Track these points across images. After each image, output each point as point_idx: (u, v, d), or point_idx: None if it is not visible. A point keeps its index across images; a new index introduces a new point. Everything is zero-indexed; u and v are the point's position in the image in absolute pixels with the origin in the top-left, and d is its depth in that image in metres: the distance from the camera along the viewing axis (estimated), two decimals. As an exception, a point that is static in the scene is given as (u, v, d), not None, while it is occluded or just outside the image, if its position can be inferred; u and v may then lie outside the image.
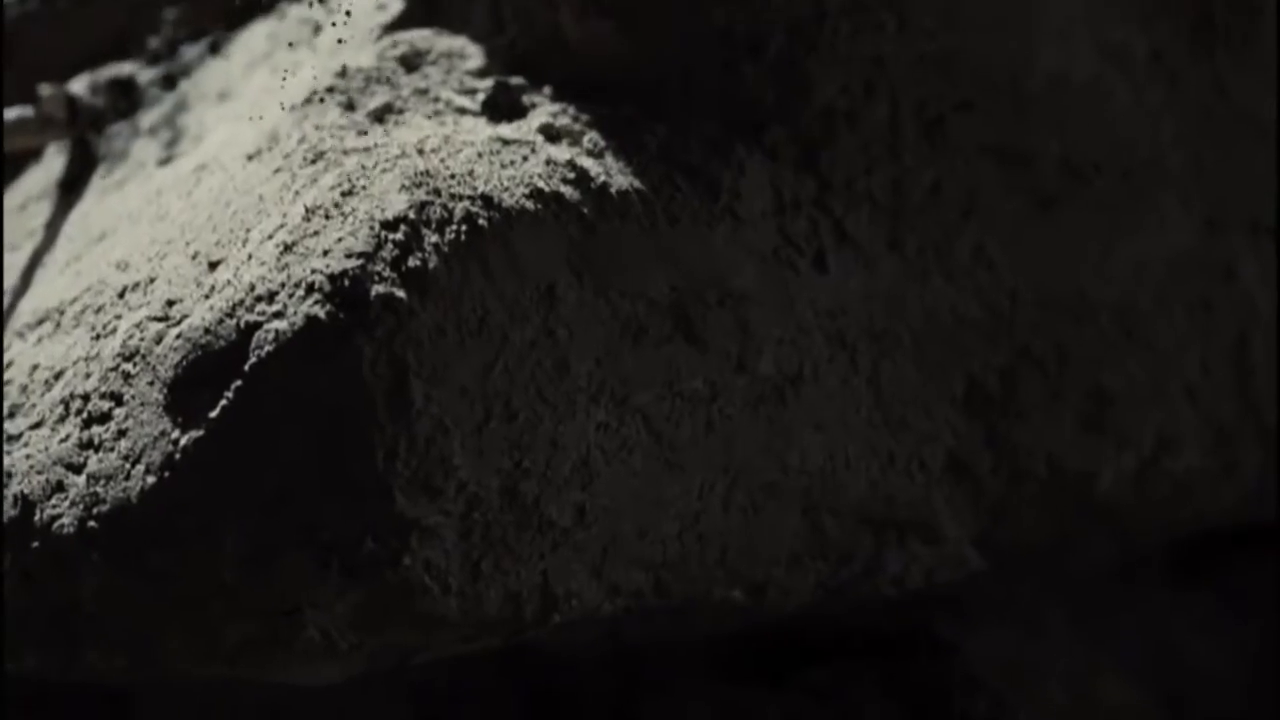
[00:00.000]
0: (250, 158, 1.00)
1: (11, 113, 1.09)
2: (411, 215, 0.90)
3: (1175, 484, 1.12)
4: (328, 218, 0.91)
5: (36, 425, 0.95)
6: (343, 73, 1.02)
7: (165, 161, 1.07)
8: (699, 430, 0.96)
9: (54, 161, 1.15)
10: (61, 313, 0.99)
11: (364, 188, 0.92)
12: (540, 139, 0.97)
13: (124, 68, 1.16)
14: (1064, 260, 1.08)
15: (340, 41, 1.06)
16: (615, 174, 0.96)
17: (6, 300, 1.05)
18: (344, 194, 0.92)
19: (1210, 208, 1.14)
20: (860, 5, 1.03)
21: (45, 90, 1.13)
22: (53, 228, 1.09)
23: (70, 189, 1.11)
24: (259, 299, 0.89)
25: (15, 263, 1.08)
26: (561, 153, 0.96)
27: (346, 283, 0.88)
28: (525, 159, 0.95)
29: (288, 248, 0.90)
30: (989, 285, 1.06)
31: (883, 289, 1.03)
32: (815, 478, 1.00)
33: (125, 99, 1.13)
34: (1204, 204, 1.13)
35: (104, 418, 0.92)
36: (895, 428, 1.03)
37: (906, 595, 1.05)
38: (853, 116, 1.03)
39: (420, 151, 0.94)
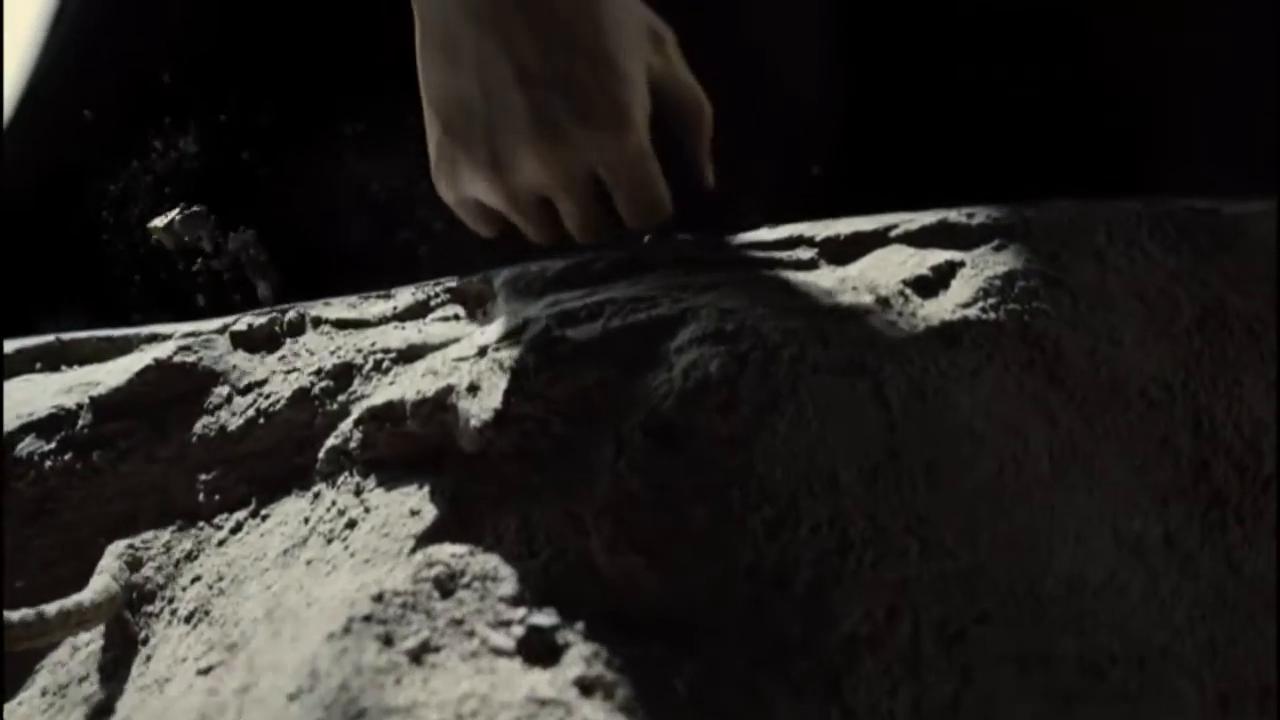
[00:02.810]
0: (291, 698, 1.02)
1: (51, 607, 1.12)
2: (452, 806, 0.93)
3: None
4: (370, 799, 0.94)
5: None
6: (379, 597, 1.05)
7: (205, 670, 1.10)
8: None
9: (90, 634, 1.18)
10: None
11: (405, 764, 0.95)
12: (575, 694, 1.00)
13: (155, 537, 1.19)
14: (1081, 757, 1.11)
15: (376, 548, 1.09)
16: (648, 732, 0.99)
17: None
18: (386, 771, 0.95)
19: (1223, 683, 1.16)
20: (884, 533, 1.06)
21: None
22: (93, 727, 1.12)
23: (110, 675, 1.14)
24: None
25: (58, 762, 1.11)
26: (596, 712, 0.99)
27: None
28: (561, 723, 0.98)
29: (332, 832, 0.93)
30: (1008, 793, 1.09)
31: (906, 814, 1.06)
32: None
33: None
34: (1217, 681, 1.16)
35: None
36: None
37: None
38: (875, 641, 1.06)
39: (459, 717, 0.97)
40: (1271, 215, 1.22)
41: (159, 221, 1.40)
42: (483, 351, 1.11)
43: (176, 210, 1.40)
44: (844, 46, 1.59)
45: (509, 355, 1.09)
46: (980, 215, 1.15)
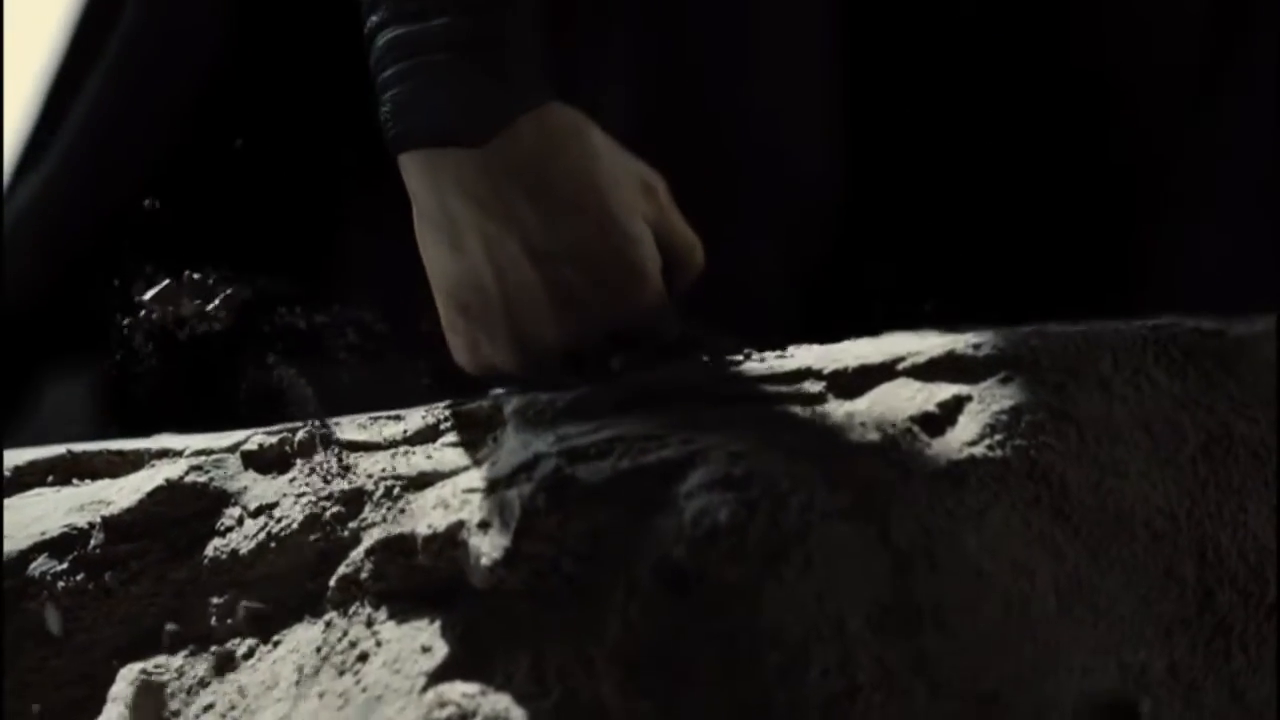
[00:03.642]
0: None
1: (67, 739, 1.13)
2: None
3: None
4: None
5: None
6: (392, 738, 1.06)
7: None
8: None
9: (106, 758, 1.19)
10: None
11: None
12: None
13: (168, 661, 1.20)
14: None
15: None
16: None
17: None
18: None
19: (1226, 810, 1.18)
20: (891, 675, 1.07)
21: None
22: None
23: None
24: None
25: None
26: None
27: None
28: None
29: None
30: None
31: None
32: None
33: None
34: (1220, 808, 1.18)
35: None
36: None
37: None
38: (884, 782, 1.08)
39: None
40: (1273, 337, 1.23)
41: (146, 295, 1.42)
42: (493, 486, 1.12)
43: (162, 284, 1.41)
44: (851, 133, 1.61)
45: (519, 492, 1.10)
46: (986, 346, 1.16)
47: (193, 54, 1.64)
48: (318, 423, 1.25)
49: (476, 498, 1.13)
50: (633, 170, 1.20)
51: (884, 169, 1.61)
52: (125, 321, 1.41)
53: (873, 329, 1.33)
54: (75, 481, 1.31)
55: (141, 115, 1.66)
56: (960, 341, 1.17)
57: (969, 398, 1.14)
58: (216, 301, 1.39)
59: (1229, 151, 1.54)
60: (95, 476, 1.31)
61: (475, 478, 1.15)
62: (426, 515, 1.15)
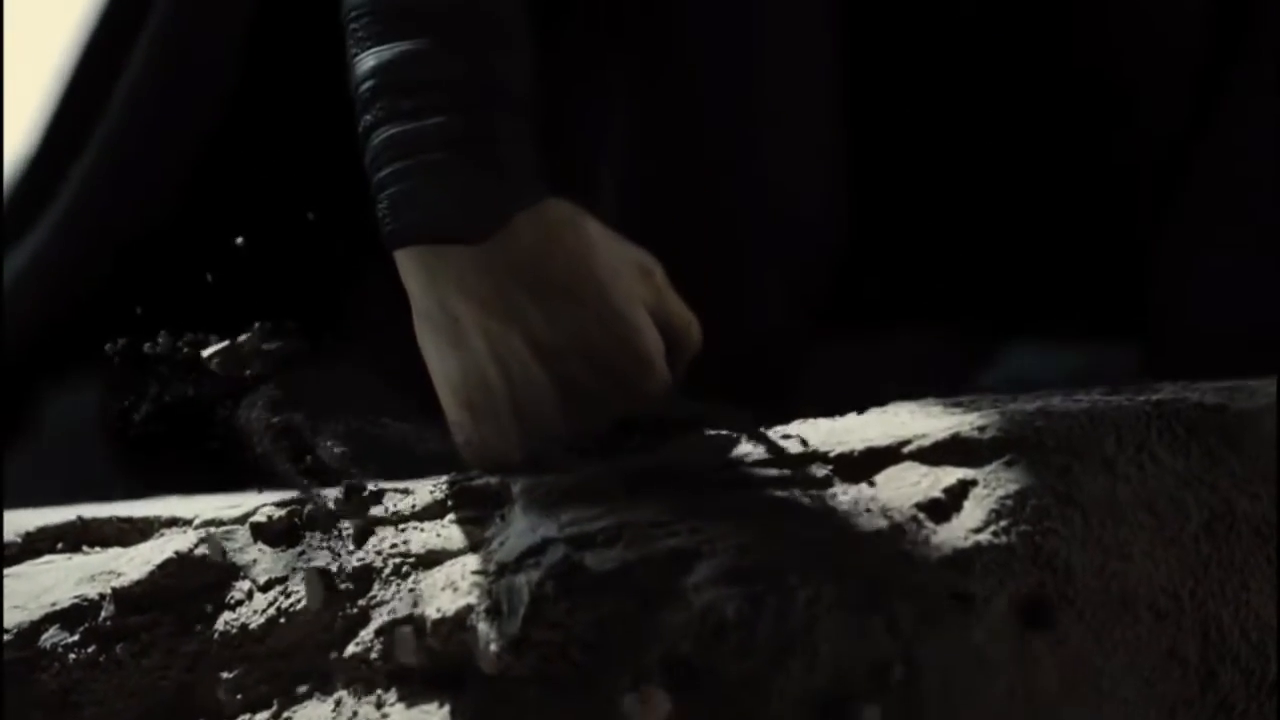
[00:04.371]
0: None
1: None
2: None
3: None
4: None
5: None
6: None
7: None
8: None
9: (117, 836, 1.20)
10: None
11: None
12: None
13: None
14: None
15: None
16: None
17: None
18: None
19: None
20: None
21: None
22: None
23: None
24: None
25: None
26: None
27: None
28: None
29: None
30: None
31: None
32: None
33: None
34: None
35: None
36: None
37: None
38: None
39: None
40: (1274, 411, 1.24)
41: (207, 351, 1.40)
42: (501, 571, 1.13)
43: (219, 345, 1.39)
44: (854, 172, 1.61)
45: (528, 579, 1.11)
46: (991, 428, 1.17)
47: (199, 100, 1.64)
48: (322, 496, 1.26)
49: (485, 581, 1.14)
50: (629, 258, 1.21)
51: (888, 200, 1.61)
52: (124, 351, 1.41)
53: (879, 382, 1.35)
54: (85, 549, 1.32)
55: (152, 155, 1.67)
56: (965, 423, 1.18)
57: (974, 482, 1.14)
58: (271, 348, 1.37)
59: (1234, 152, 1.55)
60: (105, 544, 1.32)
61: (484, 561, 1.16)
62: (436, 597, 1.15)
